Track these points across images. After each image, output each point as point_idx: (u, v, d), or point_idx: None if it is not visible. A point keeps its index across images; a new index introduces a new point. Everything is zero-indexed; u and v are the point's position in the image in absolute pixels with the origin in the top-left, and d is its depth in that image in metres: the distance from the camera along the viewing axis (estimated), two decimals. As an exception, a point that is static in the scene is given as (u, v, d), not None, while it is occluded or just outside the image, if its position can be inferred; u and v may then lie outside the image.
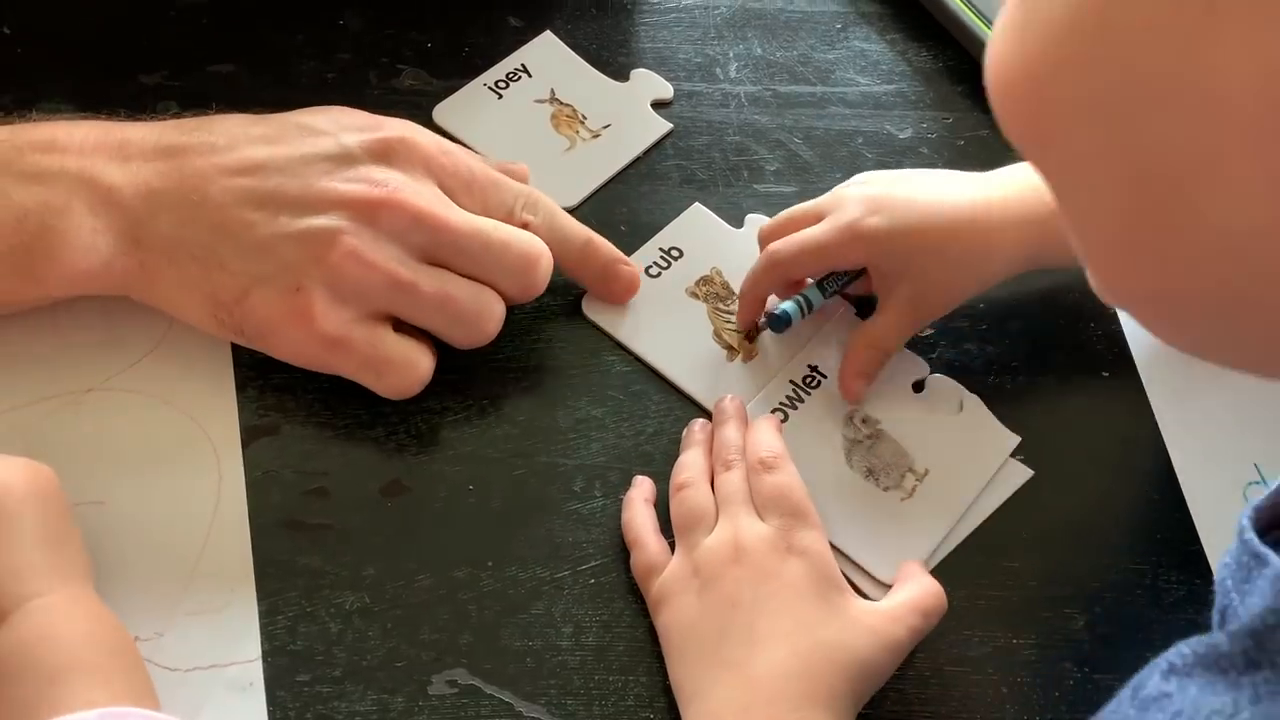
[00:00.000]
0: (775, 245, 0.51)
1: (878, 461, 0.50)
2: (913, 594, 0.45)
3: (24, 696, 0.37)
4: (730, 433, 0.48)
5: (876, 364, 0.51)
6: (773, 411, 0.50)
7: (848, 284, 0.51)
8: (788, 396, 0.51)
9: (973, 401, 0.52)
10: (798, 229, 0.51)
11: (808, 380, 0.51)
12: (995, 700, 0.46)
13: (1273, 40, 0.23)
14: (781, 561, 0.44)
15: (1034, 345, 0.54)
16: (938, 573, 0.47)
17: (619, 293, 0.53)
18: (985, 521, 0.50)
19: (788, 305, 0.50)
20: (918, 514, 0.49)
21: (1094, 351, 0.54)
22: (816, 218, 0.51)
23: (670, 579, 0.45)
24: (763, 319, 0.52)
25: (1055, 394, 0.53)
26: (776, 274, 0.51)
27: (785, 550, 0.44)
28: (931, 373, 0.52)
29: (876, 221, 0.49)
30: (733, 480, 0.47)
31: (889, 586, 0.47)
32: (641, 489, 0.48)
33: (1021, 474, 0.51)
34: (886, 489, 0.49)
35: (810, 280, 0.52)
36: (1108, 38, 0.25)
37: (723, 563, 0.44)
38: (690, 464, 0.48)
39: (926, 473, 0.49)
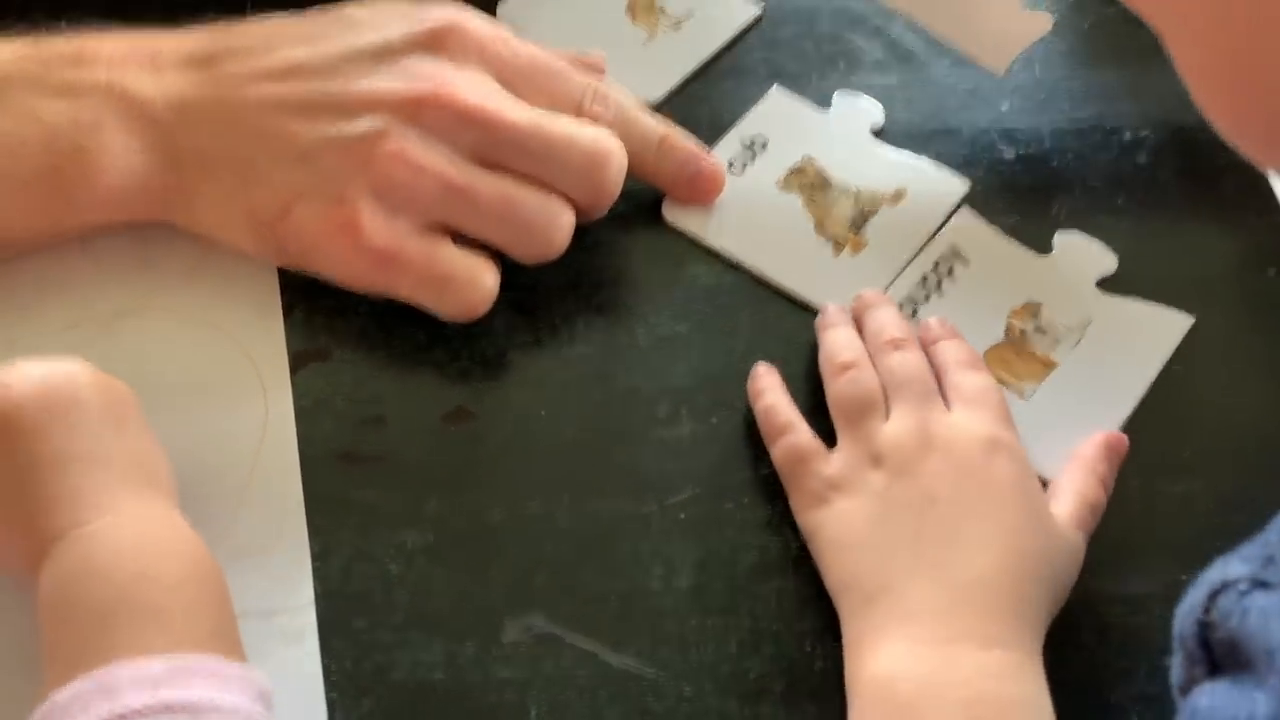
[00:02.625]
0: None
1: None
2: (1086, 489, 0.40)
3: (71, 640, 0.33)
4: (888, 315, 0.42)
5: None
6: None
7: None
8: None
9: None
10: None
11: (938, 265, 0.45)
12: (1162, 647, 0.39)
13: None
14: (986, 458, 0.38)
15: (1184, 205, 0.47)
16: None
17: (703, 192, 0.47)
18: (1139, 438, 0.43)
19: None
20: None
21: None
22: None
23: (845, 467, 0.39)
24: None
25: (1217, 278, 0.46)
26: None
27: (990, 446, 0.39)
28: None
29: None
30: (910, 362, 0.41)
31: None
32: (771, 377, 0.42)
33: (1182, 321, 0.44)
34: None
35: None
36: None
37: (915, 452, 0.39)
38: (849, 343, 0.42)
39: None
